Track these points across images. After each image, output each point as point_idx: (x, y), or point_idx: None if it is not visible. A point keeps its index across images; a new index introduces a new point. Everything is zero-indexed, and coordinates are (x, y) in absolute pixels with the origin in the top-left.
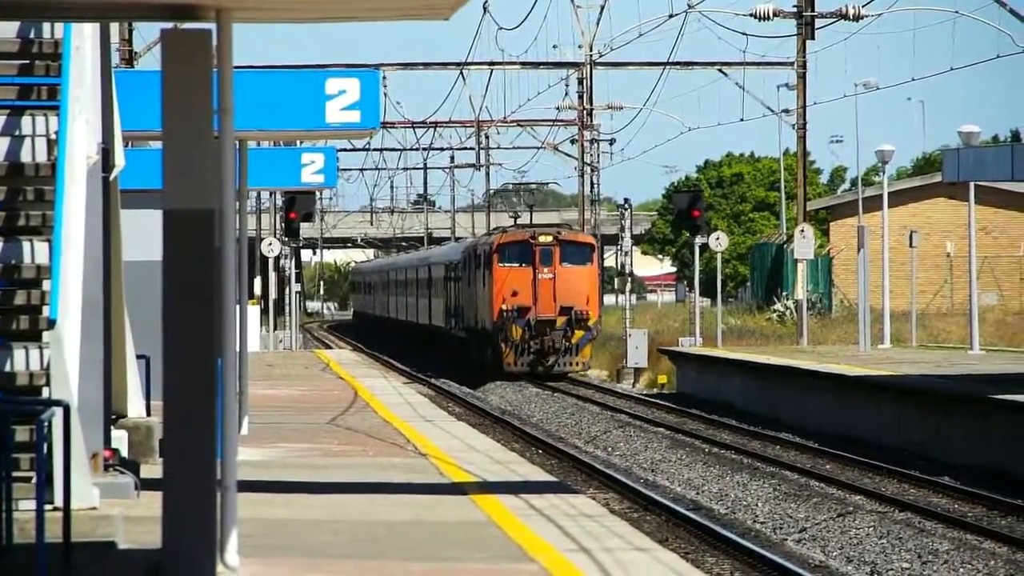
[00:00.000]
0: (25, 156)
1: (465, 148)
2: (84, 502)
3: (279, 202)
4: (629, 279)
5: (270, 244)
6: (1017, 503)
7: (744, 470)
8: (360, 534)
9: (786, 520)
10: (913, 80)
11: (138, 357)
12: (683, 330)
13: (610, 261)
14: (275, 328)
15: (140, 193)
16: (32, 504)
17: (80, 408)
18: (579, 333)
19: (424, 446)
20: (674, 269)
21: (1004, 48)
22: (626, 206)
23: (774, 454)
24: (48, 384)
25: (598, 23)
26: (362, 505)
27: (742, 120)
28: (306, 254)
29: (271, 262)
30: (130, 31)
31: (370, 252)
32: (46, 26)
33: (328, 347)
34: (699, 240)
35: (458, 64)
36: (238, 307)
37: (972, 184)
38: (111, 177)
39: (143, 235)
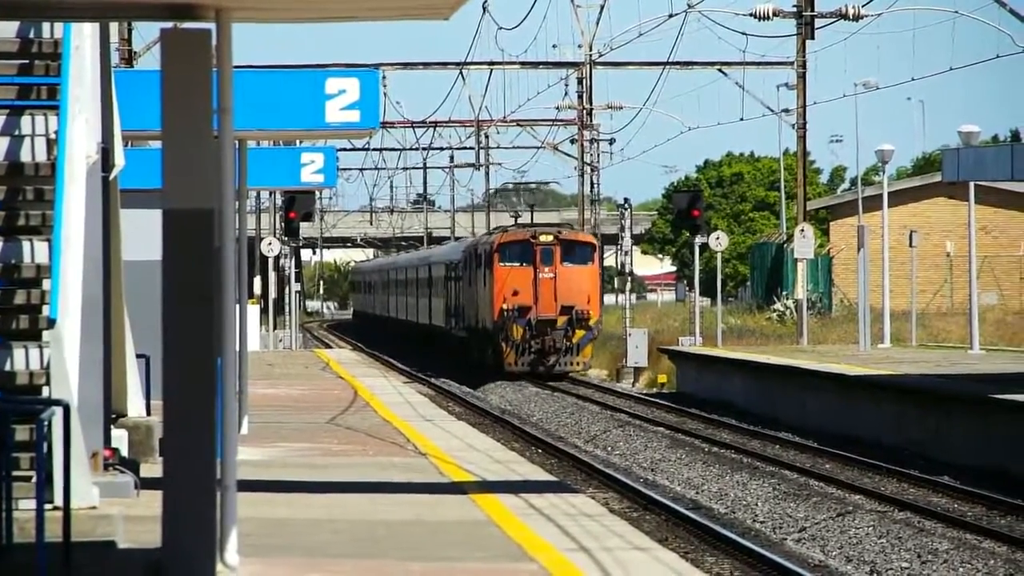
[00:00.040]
0: (25, 156)
1: (465, 148)
2: (84, 501)
3: (279, 202)
4: (629, 279)
5: (270, 244)
6: (1017, 503)
7: (744, 469)
8: (360, 533)
9: (786, 519)
10: (913, 80)
11: (138, 356)
12: (683, 330)
13: (610, 261)
14: (275, 327)
15: (140, 193)
16: (32, 503)
17: (80, 407)
18: (580, 333)
19: (424, 445)
20: (674, 269)
21: (1004, 48)
22: (626, 206)
23: (774, 453)
24: (48, 383)
25: (598, 23)
26: (362, 504)
27: (742, 120)
28: (306, 254)
29: (271, 262)
30: (129, 31)
31: (370, 252)
32: (46, 26)
33: (328, 346)
34: (699, 240)
35: (458, 64)
36: (238, 306)
37: (972, 184)
38: (111, 177)
39: (143, 235)
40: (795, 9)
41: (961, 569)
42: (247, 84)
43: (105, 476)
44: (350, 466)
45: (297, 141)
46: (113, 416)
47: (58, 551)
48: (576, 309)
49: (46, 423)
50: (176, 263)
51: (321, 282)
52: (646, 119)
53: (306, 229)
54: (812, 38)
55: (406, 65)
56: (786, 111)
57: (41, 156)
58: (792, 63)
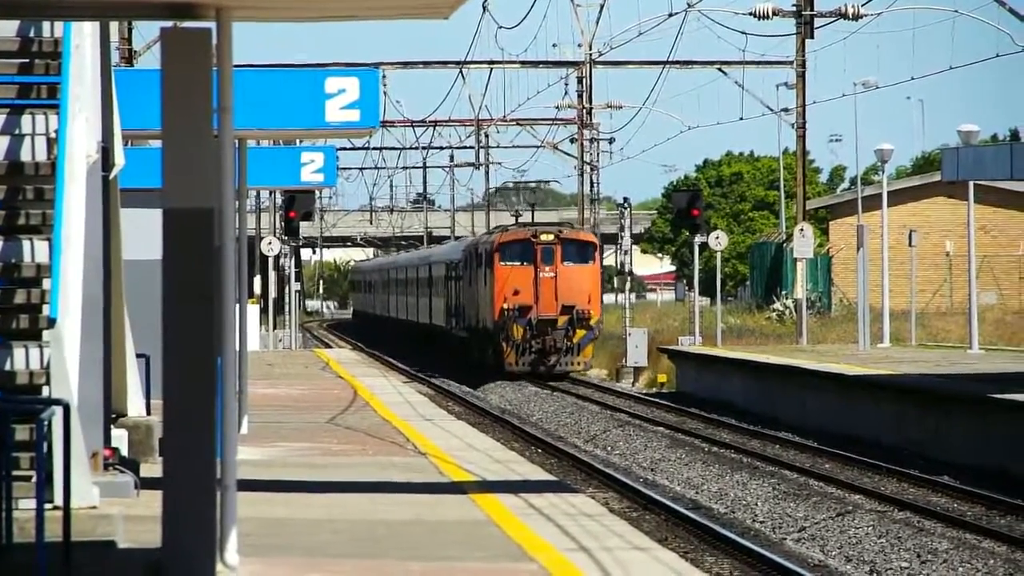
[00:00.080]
0: (25, 155)
1: (465, 147)
2: (84, 501)
3: (279, 201)
4: (629, 278)
5: (270, 243)
6: (1016, 502)
7: (743, 469)
8: (360, 533)
9: (785, 519)
10: (912, 79)
11: (138, 356)
12: (683, 329)
13: (610, 260)
14: (275, 327)
15: (140, 192)
16: (32, 503)
17: (80, 407)
18: (581, 332)
19: (424, 445)
20: (673, 268)
21: (1003, 47)
22: (625, 205)
23: (773, 453)
24: (48, 383)
25: (598, 22)
26: (362, 504)
27: (741, 119)
28: (306, 253)
29: (271, 261)
30: (130, 30)
31: (369, 251)
32: (46, 25)
33: (328, 346)
34: (698, 239)
35: (458, 63)
36: (238, 306)
37: (971, 183)
38: (111, 176)
39: (143, 234)
40: (794, 8)
41: (961, 569)
42: (247, 83)
43: (105, 476)
44: (350, 466)
45: (297, 140)
46: (113, 416)
47: (58, 551)
48: (577, 309)
49: (46, 423)
50: (176, 262)
51: (321, 282)
52: (646, 118)
53: (306, 228)
54: (812, 37)
55: (406, 64)
56: (785, 110)
57: (41, 155)
58: (792, 62)
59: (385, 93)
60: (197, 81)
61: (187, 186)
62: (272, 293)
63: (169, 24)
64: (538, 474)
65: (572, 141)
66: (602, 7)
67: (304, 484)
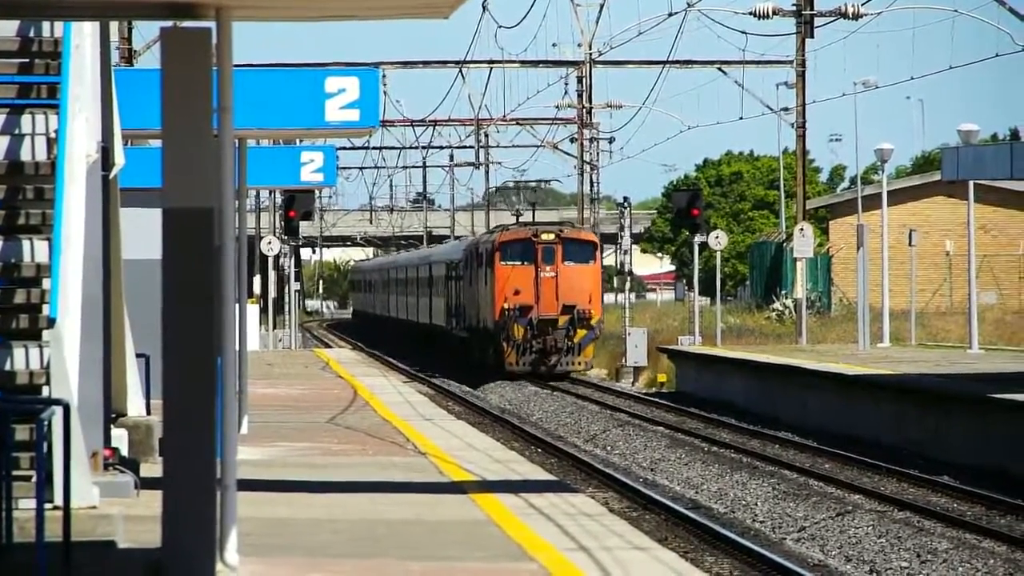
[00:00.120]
0: (25, 155)
1: (465, 146)
2: (84, 501)
3: (278, 200)
4: (628, 278)
5: (269, 243)
6: (1016, 502)
7: (743, 469)
8: (360, 533)
9: (785, 519)
10: (912, 79)
11: (138, 356)
12: (682, 329)
13: (609, 260)
14: (274, 327)
15: (140, 191)
16: (32, 503)
17: (80, 407)
18: (581, 332)
19: (424, 445)
20: (673, 268)
21: (1003, 47)
22: (625, 205)
23: (773, 453)
24: (48, 383)
25: (597, 21)
26: (362, 504)
27: (741, 119)
28: (305, 253)
29: (270, 261)
30: (130, 29)
31: (369, 251)
32: (46, 25)
33: (328, 346)
34: (698, 239)
35: (458, 62)
36: (238, 306)
37: (971, 183)
38: (111, 176)
39: (143, 234)
40: (794, 8)
41: (960, 569)
42: (247, 83)
43: (105, 476)
44: (350, 466)
45: (297, 140)
46: (113, 416)
47: (58, 551)
48: (578, 308)
49: (46, 423)
50: (176, 262)
51: (321, 281)
52: (646, 118)
53: (306, 228)
54: (811, 37)
55: (406, 64)
56: (785, 110)
57: (41, 155)
58: (791, 62)
59: (385, 93)
60: (197, 81)
61: (187, 186)
62: (272, 293)
63: (169, 24)
64: (538, 474)
65: (572, 141)
66: (602, 7)
67: (304, 484)
